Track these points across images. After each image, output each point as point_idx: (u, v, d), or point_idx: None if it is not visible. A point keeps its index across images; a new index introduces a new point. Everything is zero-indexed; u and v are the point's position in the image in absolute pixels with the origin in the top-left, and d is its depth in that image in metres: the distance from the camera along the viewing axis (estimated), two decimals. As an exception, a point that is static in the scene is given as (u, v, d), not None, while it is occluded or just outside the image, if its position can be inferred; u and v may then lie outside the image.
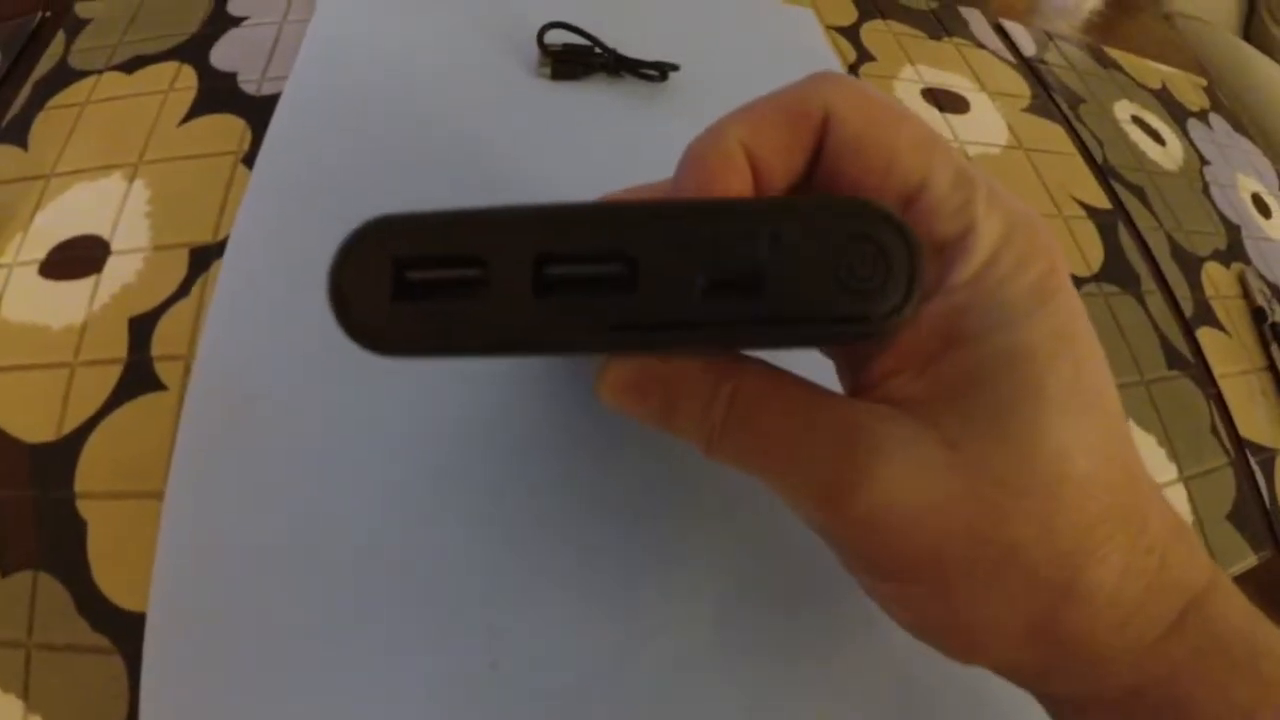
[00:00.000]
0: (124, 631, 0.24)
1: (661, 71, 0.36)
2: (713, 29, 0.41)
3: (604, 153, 0.35)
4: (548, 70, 0.36)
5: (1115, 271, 0.39)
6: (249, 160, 0.34)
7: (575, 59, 0.36)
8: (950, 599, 0.15)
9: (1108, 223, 0.41)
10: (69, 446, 0.28)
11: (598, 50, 0.36)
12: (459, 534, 0.25)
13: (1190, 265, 0.41)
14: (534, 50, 0.36)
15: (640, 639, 0.24)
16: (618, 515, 0.26)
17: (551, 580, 0.25)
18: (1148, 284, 0.39)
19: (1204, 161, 0.47)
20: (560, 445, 0.27)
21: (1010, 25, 0.50)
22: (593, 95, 0.36)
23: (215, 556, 0.25)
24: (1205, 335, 0.38)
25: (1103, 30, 0.56)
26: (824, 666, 0.24)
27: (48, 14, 0.41)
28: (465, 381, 0.28)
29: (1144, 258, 0.40)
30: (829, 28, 0.43)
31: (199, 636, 0.24)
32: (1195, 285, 0.40)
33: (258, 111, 0.36)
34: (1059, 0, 0.57)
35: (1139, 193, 0.43)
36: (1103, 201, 0.42)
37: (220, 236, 0.32)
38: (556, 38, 0.36)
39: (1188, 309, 0.39)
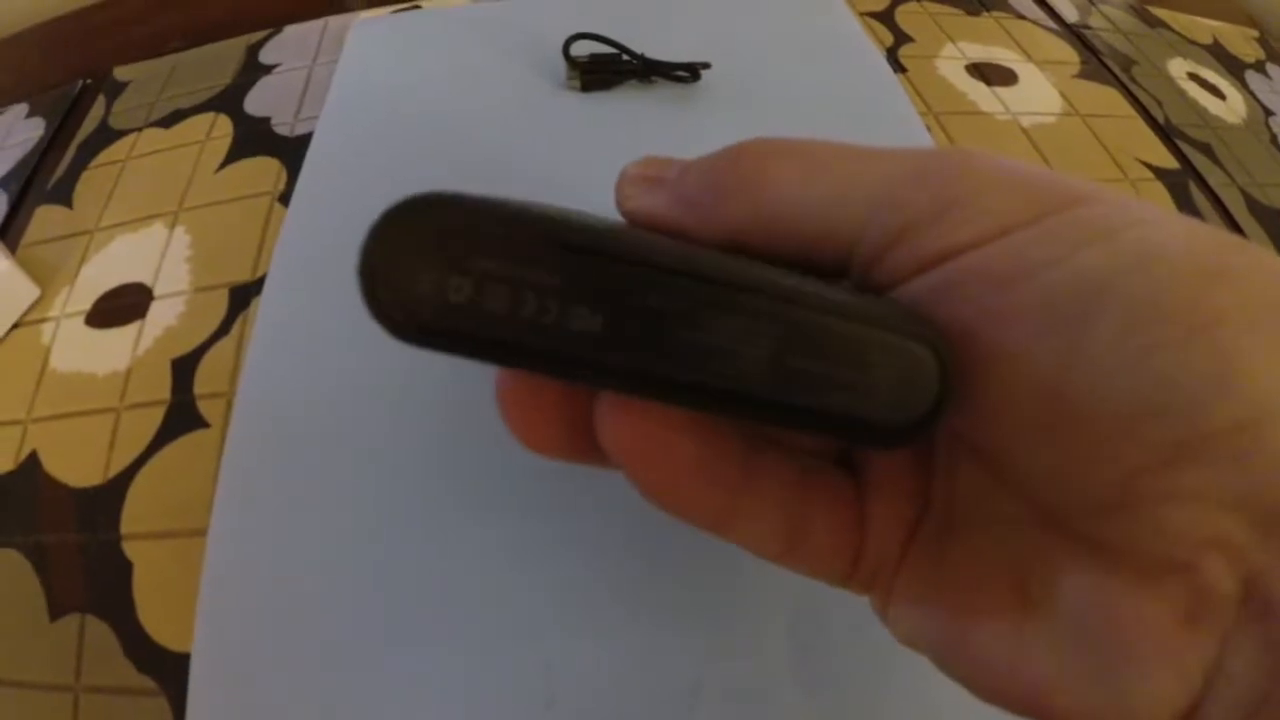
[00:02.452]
0: (170, 672, 0.23)
1: (693, 71, 0.35)
2: (740, 23, 0.39)
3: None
4: (577, 83, 0.35)
5: (1193, 233, 0.36)
6: (285, 198, 0.34)
7: (604, 69, 0.35)
8: None
9: (1178, 183, 0.38)
10: (115, 489, 0.27)
11: (625, 57, 0.35)
12: (513, 568, 0.24)
13: (1269, 219, 0.38)
14: (561, 65, 0.36)
15: (704, 671, 0.22)
16: (677, 543, 0.24)
17: (609, 613, 0.23)
18: (1227, 243, 0.37)
19: (1268, 113, 0.45)
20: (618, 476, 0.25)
21: (1047, -5, 0.48)
22: (625, 103, 0.35)
23: (259, 593, 0.23)
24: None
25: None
26: (906, 695, 0.22)
27: (88, 81, 0.43)
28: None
29: (1220, 215, 0.38)
30: (862, 14, 0.42)
31: (243, 676, 0.22)
32: (1275, 240, 0.38)
33: (292, 151, 0.36)
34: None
35: (1206, 150, 0.40)
36: (1169, 161, 0.39)
37: (259, 274, 0.32)
38: (583, 49, 0.36)
39: (1268, 266, 0.36)
